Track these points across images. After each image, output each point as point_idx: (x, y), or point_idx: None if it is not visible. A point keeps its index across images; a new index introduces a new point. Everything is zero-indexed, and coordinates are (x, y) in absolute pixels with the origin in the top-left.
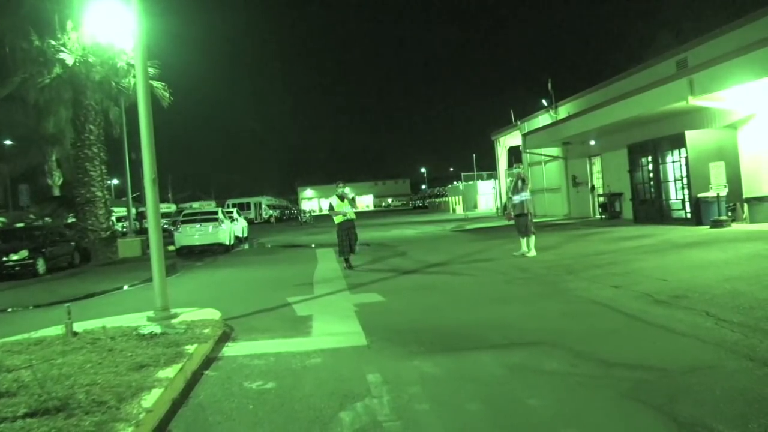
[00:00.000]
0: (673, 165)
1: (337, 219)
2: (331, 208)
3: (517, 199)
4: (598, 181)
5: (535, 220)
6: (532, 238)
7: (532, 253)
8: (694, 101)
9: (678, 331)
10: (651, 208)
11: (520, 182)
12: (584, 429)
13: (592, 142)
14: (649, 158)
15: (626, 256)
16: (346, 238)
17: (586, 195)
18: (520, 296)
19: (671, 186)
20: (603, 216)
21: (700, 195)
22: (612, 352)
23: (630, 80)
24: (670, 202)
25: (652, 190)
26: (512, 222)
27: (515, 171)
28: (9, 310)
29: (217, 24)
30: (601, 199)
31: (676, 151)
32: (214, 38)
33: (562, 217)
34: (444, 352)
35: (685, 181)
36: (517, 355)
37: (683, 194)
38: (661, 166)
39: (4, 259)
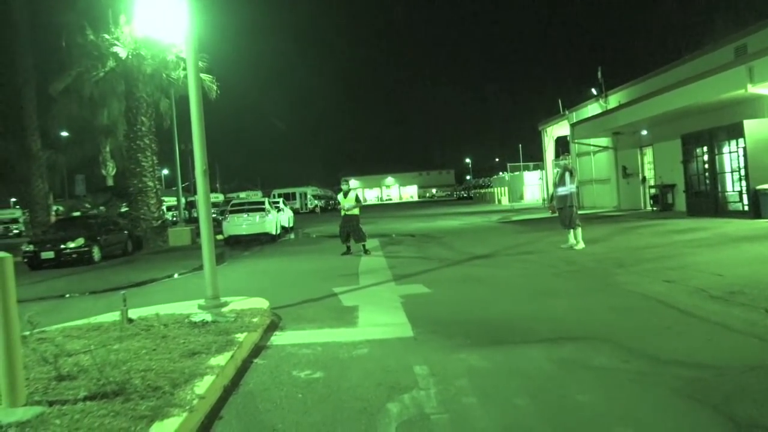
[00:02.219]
0: (730, 155)
1: (342, 212)
2: (337, 202)
3: (562, 191)
4: (649, 172)
5: (582, 212)
6: (579, 230)
7: (581, 245)
8: (754, 89)
9: (734, 328)
10: (706, 200)
11: (567, 174)
12: (637, 427)
13: (644, 132)
14: (705, 148)
15: (679, 249)
16: (343, 229)
17: (636, 186)
18: (569, 290)
19: (728, 177)
20: (654, 208)
21: (758, 187)
22: (664, 349)
23: (685, 68)
24: (726, 194)
25: (707, 181)
26: (556, 214)
27: (562, 162)
28: (67, 295)
29: (265, 14)
30: (653, 190)
31: (733, 141)
32: (262, 28)
33: (612, 208)
34: (491, 345)
35: (742, 172)
36: (565, 350)
37: (740, 186)
38: (717, 157)
39: (62, 246)
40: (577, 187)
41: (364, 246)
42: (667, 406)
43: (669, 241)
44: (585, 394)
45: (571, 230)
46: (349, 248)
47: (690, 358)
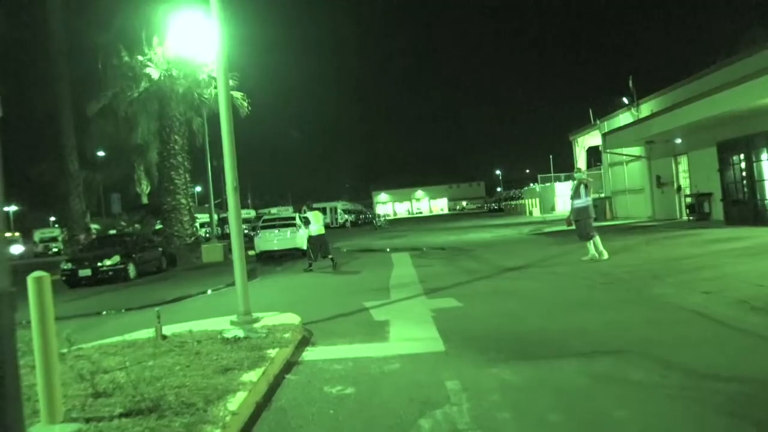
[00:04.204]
0: None
1: (310, 233)
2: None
3: (579, 203)
4: (684, 181)
5: (615, 223)
6: (597, 240)
7: (605, 255)
8: None
9: None
10: (744, 208)
11: (582, 187)
12: None
13: (678, 141)
14: (742, 156)
15: (717, 259)
16: (315, 247)
17: (671, 196)
18: (603, 302)
19: (767, 185)
20: (690, 217)
21: None
22: (704, 363)
23: (719, 74)
24: (765, 202)
25: (745, 189)
26: (573, 227)
27: (576, 176)
28: (103, 312)
29: (294, 30)
30: (689, 199)
31: None
32: (291, 44)
33: (646, 219)
34: (524, 360)
35: None
36: (601, 364)
37: None
38: (755, 164)
39: (99, 264)
40: (595, 200)
41: (333, 259)
42: (708, 423)
43: (706, 251)
44: (622, 410)
45: (589, 241)
46: (311, 265)
47: (731, 372)
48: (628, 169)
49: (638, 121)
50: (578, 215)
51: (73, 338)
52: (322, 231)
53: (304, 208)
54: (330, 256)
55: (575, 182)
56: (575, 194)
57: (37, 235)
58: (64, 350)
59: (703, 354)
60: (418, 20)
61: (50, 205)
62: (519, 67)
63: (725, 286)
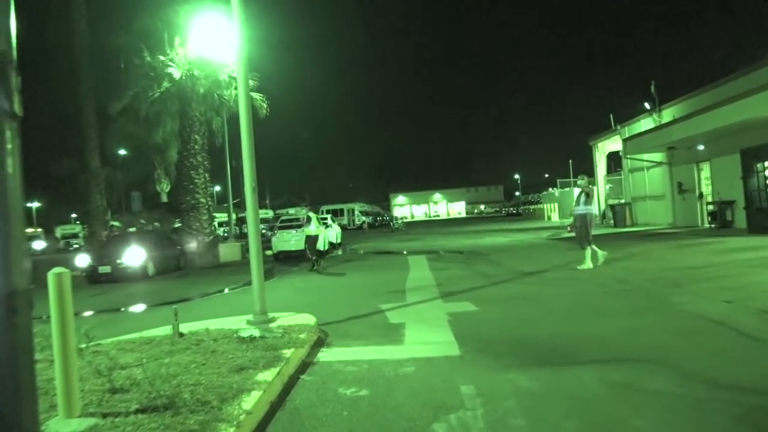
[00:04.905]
0: None
1: (308, 232)
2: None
3: (577, 211)
4: (706, 188)
5: (635, 229)
6: (589, 251)
7: (589, 265)
8: None
9: None
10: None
11: (583, 195)
12: None
13: (700, 147)
14: (766, 163)
15: (740, 268)
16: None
17: (693, 203)
18: (621, 309)
19: None
20: (712, 225)
21: None
22: (724, 373)
23: (744, 80)
24: None
25: None
26: (573, 234)
27: (579, 184)
28: (122, 309)
29: (313, 32)
30: (711, 207)
31: None
32: (310, 46)
33: (667, 225)
34: (539, 366)
35: None
36: (618, 372)
37: None
38: None
39: (118, 261)
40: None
41: (319, 261)
42: None
43: (728, 259)
44: (638, 419)
45: (589, 249)
46: (314, 264)
47: (752, 384)
48: (649, 175)
49: (660, 127)
50: (576, 222)
51: (92, 334)
52: (319, 232)
53: (302, 209)
54: (314, 258)
55: (579, 189)
56: (576, 202)
57: (59, 231)
58: (83, 346)
59: (723, 364)
60: (440, 23)
61: (72, 202)
62: (540, 71)
63: (747, 295)
